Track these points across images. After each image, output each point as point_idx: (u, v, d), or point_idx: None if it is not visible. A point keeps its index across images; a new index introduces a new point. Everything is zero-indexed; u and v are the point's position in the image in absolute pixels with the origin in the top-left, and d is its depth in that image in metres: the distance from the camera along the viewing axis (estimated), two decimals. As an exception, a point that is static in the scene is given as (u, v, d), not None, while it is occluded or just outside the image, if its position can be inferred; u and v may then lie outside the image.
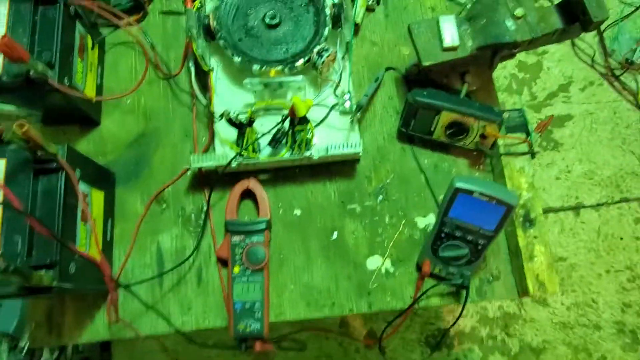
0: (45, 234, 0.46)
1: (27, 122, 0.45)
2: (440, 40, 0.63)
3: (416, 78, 0.72)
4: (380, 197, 0.69)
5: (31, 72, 0.54)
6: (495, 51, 0.65)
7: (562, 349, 1.22)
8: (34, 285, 0.47)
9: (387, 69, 0.73)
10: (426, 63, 0.63)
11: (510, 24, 0.60)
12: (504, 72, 1.41)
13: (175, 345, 1.14)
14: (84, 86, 0.64)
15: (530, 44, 0.62)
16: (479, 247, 0.59)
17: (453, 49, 0.63)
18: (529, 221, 0.65)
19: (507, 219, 0.56)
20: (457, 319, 0.64)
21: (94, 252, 0.58)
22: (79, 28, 0.63)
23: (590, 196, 1.32)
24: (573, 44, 1.45)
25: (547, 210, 1.31)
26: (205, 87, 0.70)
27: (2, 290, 0.48)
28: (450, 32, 0.63)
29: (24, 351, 0.99)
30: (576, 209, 1.31)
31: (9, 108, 0.58)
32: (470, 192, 0.55)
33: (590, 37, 1.45)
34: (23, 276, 0.44)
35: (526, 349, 1.22)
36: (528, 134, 0.69)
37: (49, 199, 0.51)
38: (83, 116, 0.67)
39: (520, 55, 1.43)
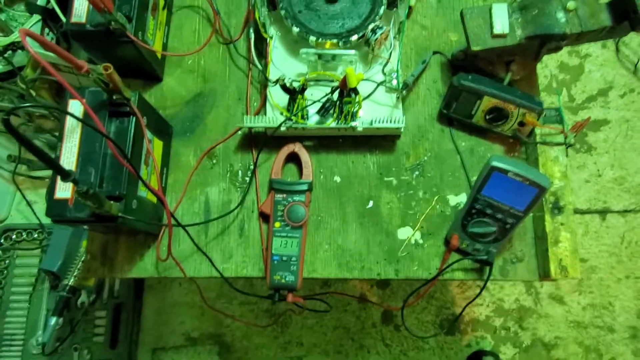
0: (121, 163, 0.51)
1: (110, 66, 0.50)
2: (491, 26, 0.66)
3: (462, 64, 0.75)
4: (417, 173, 0.72)
5: (112, 23, 0.59)
6: (543, 42, 0.67)
7: (574, 347, 1.24)
8: (104, 213, 0.52)
9: (435, 52, 0.76)
10: (475, 48, 0.66)
11: (561, 16, 0.63)
12: (544, 71, 1.41)
13: (202, 303, 1.21)
14: (153, 42, 0.69)
15: (578, 38, 0.64)
16: (507, 226, 0.63)
17: (502, 36, 0.65)
18: (557, 208, 0.67)
19: (538, 201, 0.60)
20: (480, 291, 0.68)
21: (152, 195, 0.63)
22: (153, -13, 0.68)
23: (618, 202, 1.33)
24: (617, 50, 1.44)
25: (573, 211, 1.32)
26: (261, 54, 0.74)
27: (76, 215, 0.54)
28: (501, 20, 0.65)
29: (66, 289, 1.06)
30: (603, 213, 1.32)
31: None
32: (505, 172, 0.59)
33: (635, 44, 1.44)
34: (98, 202, 0.49)
35: (538, 343, 1.25)
36: (564, 131, 0.71)
37: (120, 139, 0.57)
38: (148, 71, 0.72)
39: (563, 56, 1.43)
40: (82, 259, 1.05)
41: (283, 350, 1.23)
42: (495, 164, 0.59)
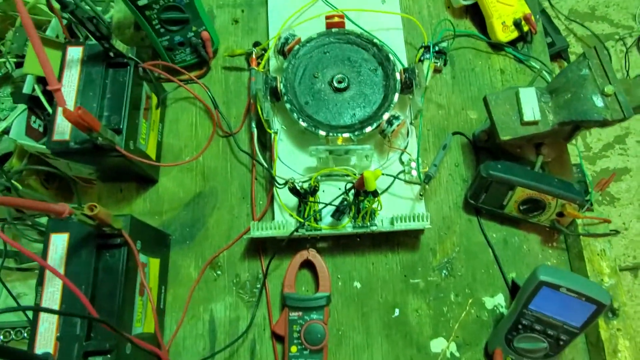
0: (108, 330, 0.44)
1: (97, 205, 0.43)
2: (520, 113, 0.59)
3: (485, 145, 0.69)
4: (445, 272, 0.64)
5: (99, 140, 0.52)
6: (577, 126, 0.61)
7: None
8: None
9: (454, 133, 0.70)
10: (504, 138, 0.59)
11: (598, 101, 0.56)
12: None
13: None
14: (146, 146, 0.63)
15: (620, 121, 0.58)
16: (561, 343, 0.54)
17: (534, 123, 0.59)
18: (612, 311, 0.59)
19: (597, 317, 0.51)
20: (530, 414, 0.59)
21: (149, 326, 0.55)
22: (145, 89, 0.62)
23: (650, 256, 1.25)
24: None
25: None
26: (265, 146, 0.68)
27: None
28: (530, 105, 0.59)
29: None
30: (634, 269, 1.23)
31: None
32: (557, 287, 0.51)
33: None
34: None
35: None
36: (587, 191, 0.63)
37: (110, 275, 0.49)
38: (142, 175, 0.65)
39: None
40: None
41: None
42: (543, 278, 0.51)
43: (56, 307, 0.47)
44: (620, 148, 1.33)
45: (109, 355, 0.46)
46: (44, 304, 0.47)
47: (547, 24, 1.28)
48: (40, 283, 0.48)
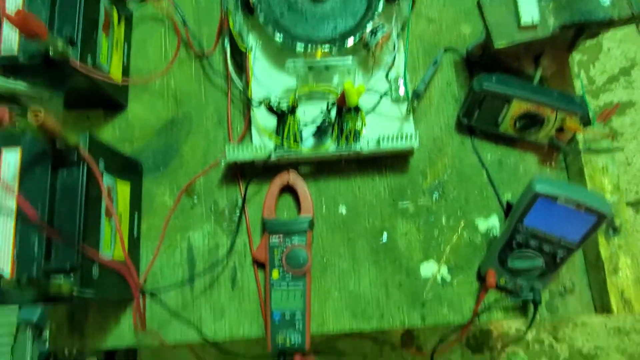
0: (65, 242, 0.40)
1: (42, 109, 0.39)
2: (517, 16, 0.54)
3: (479, 61, 0.63)
4: (436, 195, 0.61)
5: (50, 51, 0.47)
6: (581, 30, 0.55)
7: (616, 356, 1.13)
8: (53, 295, 0.41)
9: (446, 49, 0.65)
10: (500, 44, 0.54)
11: (604, -4, 0.51)
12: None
13: (207, 355, 1.10)
14: (109, 66, 0.58)
15: (628, 22, 0.52)
16: (557, 260, 0.51)
17: (532, 27, 0.53)
18: (613, 228, 0.56)
19: (596, 230, 0.48)
20: (526, 333, 0.57)
21: (119, 252, 0.52)
22: (103, 1, 0.56)
23: (652, 192, 1.21)
24: (637, 24, 1.31)
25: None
26: (241, 67, 0.63)
27: (18, 298, 0.42)
28: (528, 7, 0.53)
29: (46, 344, 0.95)
30: (635, 205, 1.20)
31: (24, 88, 0.52)
32: (554, 198, 0.47)
33: (656, 15, 1.31)
34: (39, 287, 0.38)
35: (576, 355, 1.13)
36: (589, 123, 0.59)
37: (69, 194, 0.45)
38: (109, 99, 0.61)
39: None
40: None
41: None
42: (540, 189, 0.47)
43: (11, 226, 0.44)
44: (625, 80, 1.27)
45: (71, 275, 0.43)
46: (-3, 225, 0.44)
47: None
48: (-9, 203, 0.44)
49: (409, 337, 1.13)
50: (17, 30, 0.47)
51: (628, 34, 1.30)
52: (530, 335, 1.15)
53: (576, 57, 1.28)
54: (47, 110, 0.40)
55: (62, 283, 0.41)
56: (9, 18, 0.42)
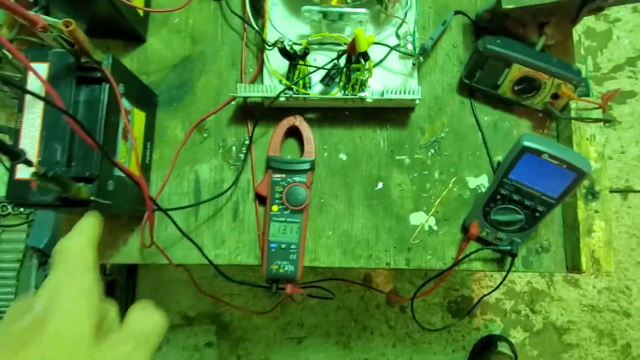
0: (86, 141, 0.44)
1: (72, 20, 0.42)
2: (526, -19, 0.56)
3: (488, 26, 0.66)
4: (432, 151, 0.64)
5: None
6: (585, 1, 0.58)
7: (587, 331, 1.19)
8: (72, 197, 0.45)
9: (457, 12, 0.67)
10: (507, 5, 0.56)
11: (611, -32, 0.53)
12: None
13: (200, 280, 1.16)
14: (132, -3, 0.60)
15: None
16: (537, 215, 0.55)
17: (540, -8, 0.56)
18: (592, 194, 0.59)
19: (575, 187, 0.52)
20: (498, 286, 0.61)
21: (134, 171, 0.55)
22: None
23: (642, 180, 1.25)
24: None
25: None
26: (258, 12, 0.65)
27: (40, 198, 0.46)
28: (538, -27, 0.56)
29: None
30: (624, 192, 1.24)
31: (48, 18, 0.55)
32: (539, 153, 0.50)
33: (669, 8, 1.32)
34: (61, 185, 0.42)
35: (550, 327, 1.20)
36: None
37: (90, 110, 0.49)
38: (129, 30, 0.63)
39: (590, 20, 1.31)
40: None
41: (283, 331, 1.19)
42: (527, 143, 0.51)
43: (37, 133, 0.47)
44: (630, 70, 1.29)
45: (90, 184, 0.47)
46: (24, 130, 0.47)
47: None
48: (20, 109, 0.47)
49: (393, 295, 1.19)
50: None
51: (639, 24, 1.31)
52: (508, 305, 1.20)
53: (585, 42, 1.30)
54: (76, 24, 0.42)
55: (82, 187, 0.45)
56: None
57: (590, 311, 1.20)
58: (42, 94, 0.47)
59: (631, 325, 1.19)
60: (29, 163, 0.37)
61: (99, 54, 0.48)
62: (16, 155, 0.36)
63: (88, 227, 0.38)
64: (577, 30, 1.30)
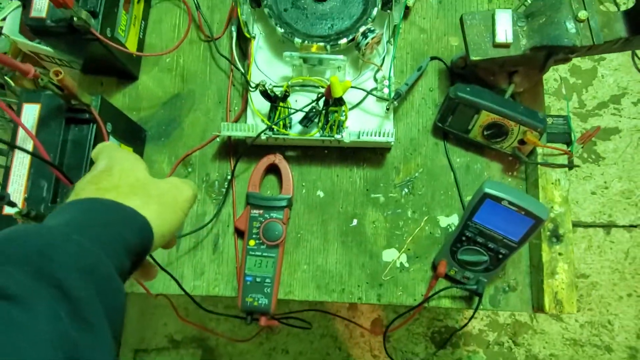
0: (68, 186, 0.47)
1: (63, 70, 0.45)
2: (493, 35, 0.60)
3: (461, 72, 0.69)
4: (406, 190, 0.67)
5: (74, 19, 0.53)
6: (550, 54, 0.61)
7: (569, 365, 1.20)
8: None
9: (432, 58, 0.71)
10: (474, 58, 0.60)
11: (571, 26, 0.56)
12: (554, 74, 1.34)
13: (186, 304, 1.17)
14: (125, 39, 0.64)
15: (589, 51, 0.58)
16: (500, 257, 0.58)
17: (505, 46, 0.59)
18: (556, 237, 0.62)
19: (534, 233, 0.54)
20: (466, 323, 0.63)
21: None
22: (126, -20, 0.63)
23: (625, 216, 1.27)
24: (634, 54, 1.36)
25: (577, 225, 1.26)
26: (245, 54, 0.69)
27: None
28: (504, 28, 0.59)
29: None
30: (607, 227, 1.26)
31: (48, 50, 0.58)
32: (499, 200, 0.53)
33: (653, 48, 1.36)
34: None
35: (531, 359, 1.20)
36: (570, 143, 0.66)
37: (78, 148, 0.52)
38: (122, 69, 0.67)
39: (576, 59, 1.35)
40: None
41: (268, 357, 1.20)
42: (488, 190, 0.53)
43: (25, 171, 0.50)
44: (614, 108, 1.33)
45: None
46: (14, 168, 0.50)
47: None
48: (11, 148, 0.51)
49: (377, 325, 1.20)
50: (48, -1, 0.54)
51: (623, 63, 1.35)
52: (491, 337, 1.22)
53: (571, 79, 1.34)
54: (66, 72, 0.46)
55: (65, 222, 0.48)
56: (42, -11, 0.48)
57: (572, 345, 1.21)
58: (33, 132, 0.50)
59: (613, 360, 1.21)
60: (12, 204, 0.40)
61: (88, 97, 0.51)
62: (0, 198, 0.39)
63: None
64: (562, 68, 1.34)
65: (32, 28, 0.55)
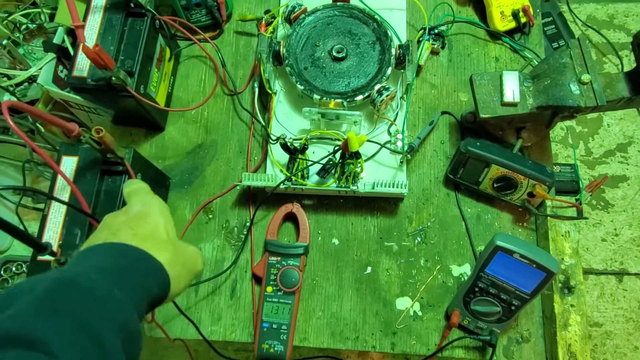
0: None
1: (103, 128, 0.49)
2: (501, 94, 0.63)
3: (471, 126, 0.73)
4: (419, 239, 0.69)
5: (113, 79, 0.58)
6: (556, 112, 0.64)
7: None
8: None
9: (443, 112, 0.74)
10: (483, 115, 0.63)
11: (575, 88, 0.60)
12: (561, 123, 1.37)
13: (199, 344, 1.17)
14: (156, 94, 0.69)
15: (594, 110, 0.62)
16: (513, 308, 0.59)
17: (513, 104, 0.63)
18: (568, 288, 0.63)
19: (546, 285, 0.56)
20: (481, 375, 0.63)
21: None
22: (160, 40, 0.68)
23: (636, 264, 1.26)
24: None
25: (588, 272, 1.26)
26: (265, 108, 0.73)
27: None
28: (511, 88, 0.63)
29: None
30: (619, 274, 1.26)
31: (78, 98, 0.63)
32: (511, 253, 0.55)
33: (658, 98, 1.40)
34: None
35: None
36: (578, 191, 0.68)
37: (110, 198, 0.55)
38: (150, 121, 0.71)
39: (581, 109, 1.39)
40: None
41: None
42: (499, 243, 0.55)
43: (61, 218, 0.54)
44: (621, 156, 1.35)
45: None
46: (50, 216, 0.54)
47: (563, 28, 1.30)
48: (49, 197, 0.54)
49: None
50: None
51: (628, 112, 1.39)
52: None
53: (577, 128, 1.37)
54: (106, 130, 0.50)
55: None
56: (86, 52, 0.53)
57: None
58: (69, 188, 0.53)
59: (631, 413, 1.17)
60: (53, 254, 0.43)
61: (122, 151, 0.55)
62: (42, 248, 0.42)
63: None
64: (569, 118, 1.37)
65: (74, 86, 0.60)
